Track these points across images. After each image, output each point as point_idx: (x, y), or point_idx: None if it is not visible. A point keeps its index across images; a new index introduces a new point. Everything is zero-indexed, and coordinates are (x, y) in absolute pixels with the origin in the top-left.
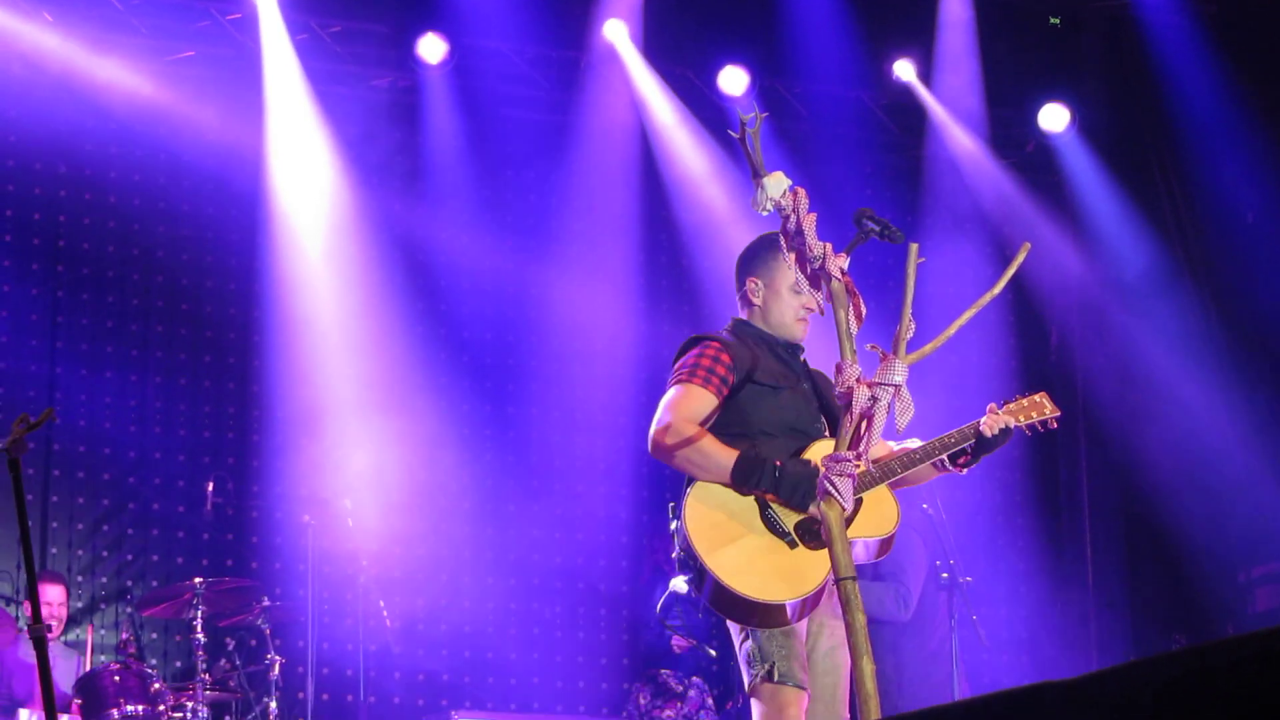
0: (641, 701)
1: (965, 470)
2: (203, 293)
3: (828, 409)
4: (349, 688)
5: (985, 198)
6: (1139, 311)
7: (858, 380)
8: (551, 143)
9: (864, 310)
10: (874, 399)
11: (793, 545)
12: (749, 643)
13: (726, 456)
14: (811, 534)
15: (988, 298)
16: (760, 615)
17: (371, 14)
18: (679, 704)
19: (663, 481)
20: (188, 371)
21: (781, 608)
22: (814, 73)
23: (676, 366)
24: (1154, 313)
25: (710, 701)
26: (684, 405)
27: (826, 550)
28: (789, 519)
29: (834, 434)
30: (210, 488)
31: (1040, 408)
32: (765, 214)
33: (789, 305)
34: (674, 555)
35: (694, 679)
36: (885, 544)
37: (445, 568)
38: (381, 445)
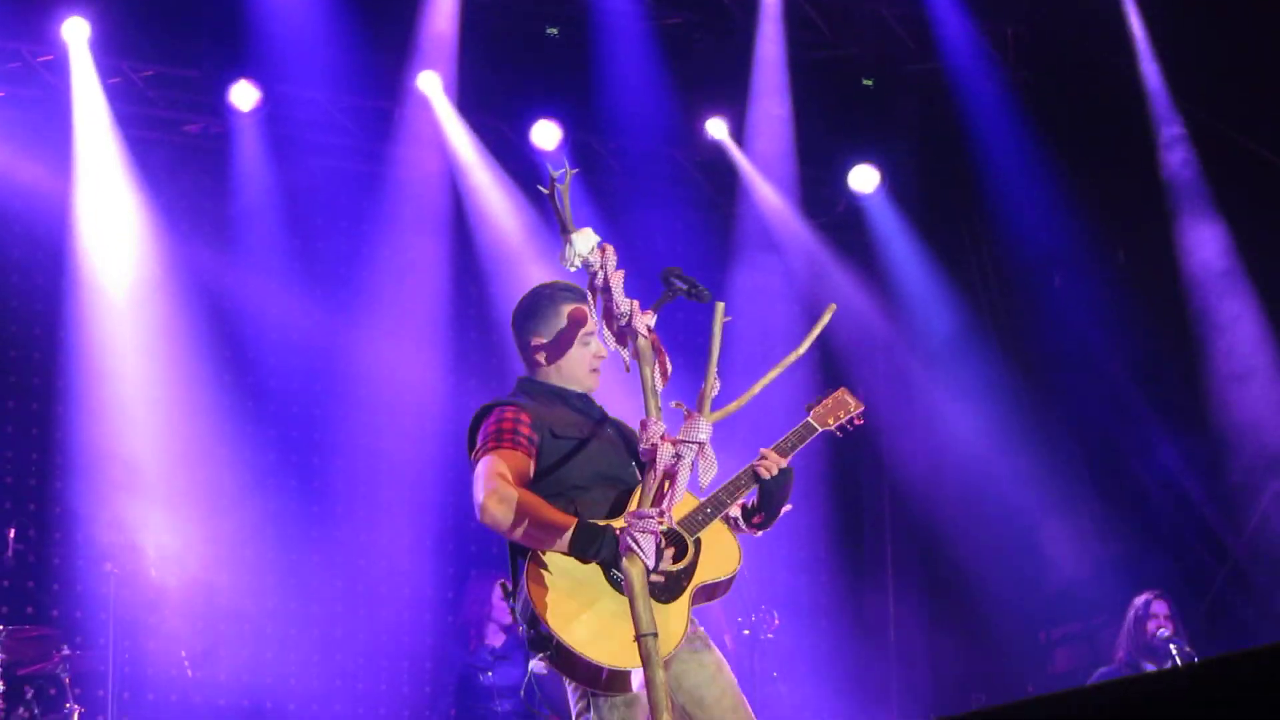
0: None
1: (760, 531)
2: (6, 336)
3: (635, 454)
4: None
5: (794, 257)
6: (946, 373)
7: (662, 437)
8: (363, 193)
9: (669, 367)
10: (678, 456)
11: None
12: (589, 714)
13: (563, 524)
14: (661, 587)
15: (793, 357)
16: (610, 681)
17: (185, 59)
18: None
19: (466, 534)
20: None
21: (625, 673)
22: (627, 129)
23: (479, 439)
24: (961, 374)
25: None
26: (500, 471)
27: (680, 601)
28: None
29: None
30: (11, 534)
31: (844, 406)
32: (573, 269)
33: (578, 357)
34: (520, 630)
35: None
36: (728, 584)
37: (248, 618)
38: (185, 495)
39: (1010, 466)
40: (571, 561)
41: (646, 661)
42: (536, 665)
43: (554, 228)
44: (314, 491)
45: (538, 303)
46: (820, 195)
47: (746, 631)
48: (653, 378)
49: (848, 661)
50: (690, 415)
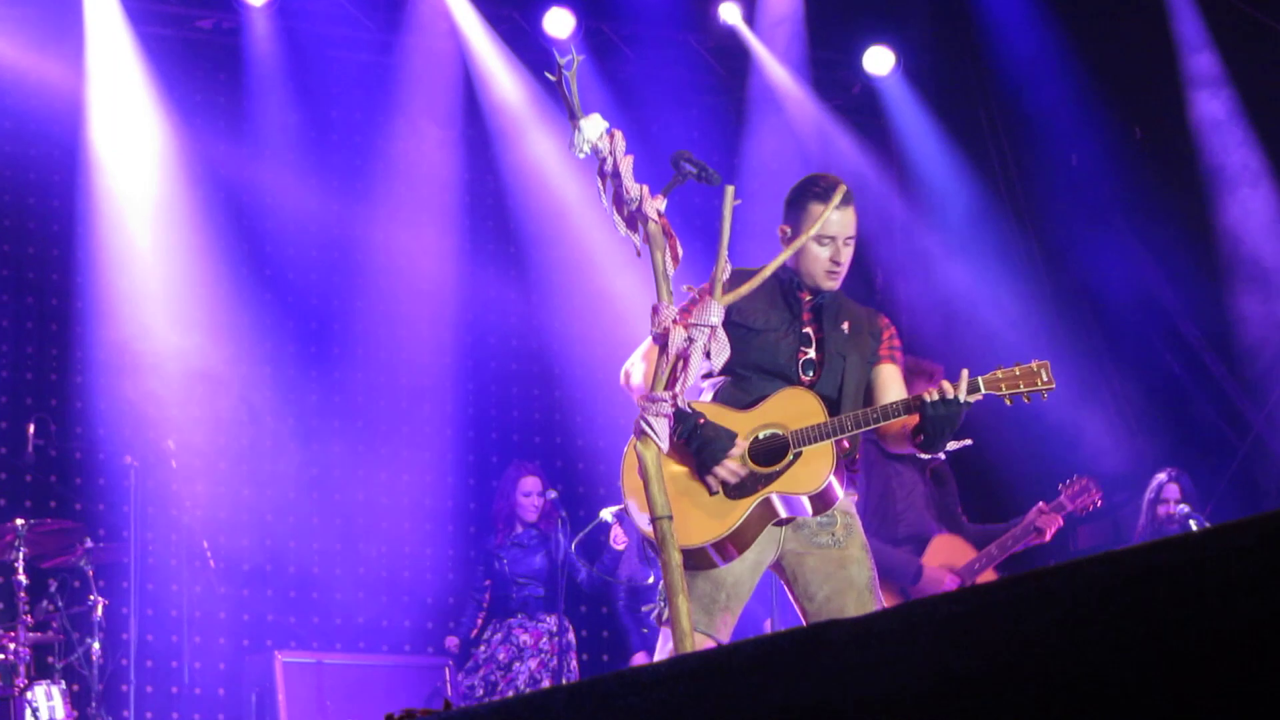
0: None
1: (925, 452)
2: (25, 233)
3: (824, 351)
4: (173, 628)
5: (808, 140)
6: (966, 254)
7: (674, 321)
8: (376, 84)
9: (680, 251)
10: (690, 339)
11: (713, 493)
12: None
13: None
14: (734, 485)
15: (804, 239)
16: (686, 558)
17: None
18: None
19: (486, 421)
20: (9, 313)
21: (701, 551)
22: (640, 14)
23: None
24: (980, 256)
25: (571, 637)
26: (641, 351)
27: (745, 500)
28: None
29: (819, 379)
30: (32, 429)
31: (1034, 377)
32: (582, 156)
33: (813, 255)
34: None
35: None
36: (817, 499)
37: (269, 508)
38: (205, 388)
39: (1031, 348)
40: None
41: (662, 543)
42: (605, 514)
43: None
44: (334, 381)
45: (798, 194)
46: (835, 78)
47: None
48: (663, 262)
49: None
50: (702, 298)
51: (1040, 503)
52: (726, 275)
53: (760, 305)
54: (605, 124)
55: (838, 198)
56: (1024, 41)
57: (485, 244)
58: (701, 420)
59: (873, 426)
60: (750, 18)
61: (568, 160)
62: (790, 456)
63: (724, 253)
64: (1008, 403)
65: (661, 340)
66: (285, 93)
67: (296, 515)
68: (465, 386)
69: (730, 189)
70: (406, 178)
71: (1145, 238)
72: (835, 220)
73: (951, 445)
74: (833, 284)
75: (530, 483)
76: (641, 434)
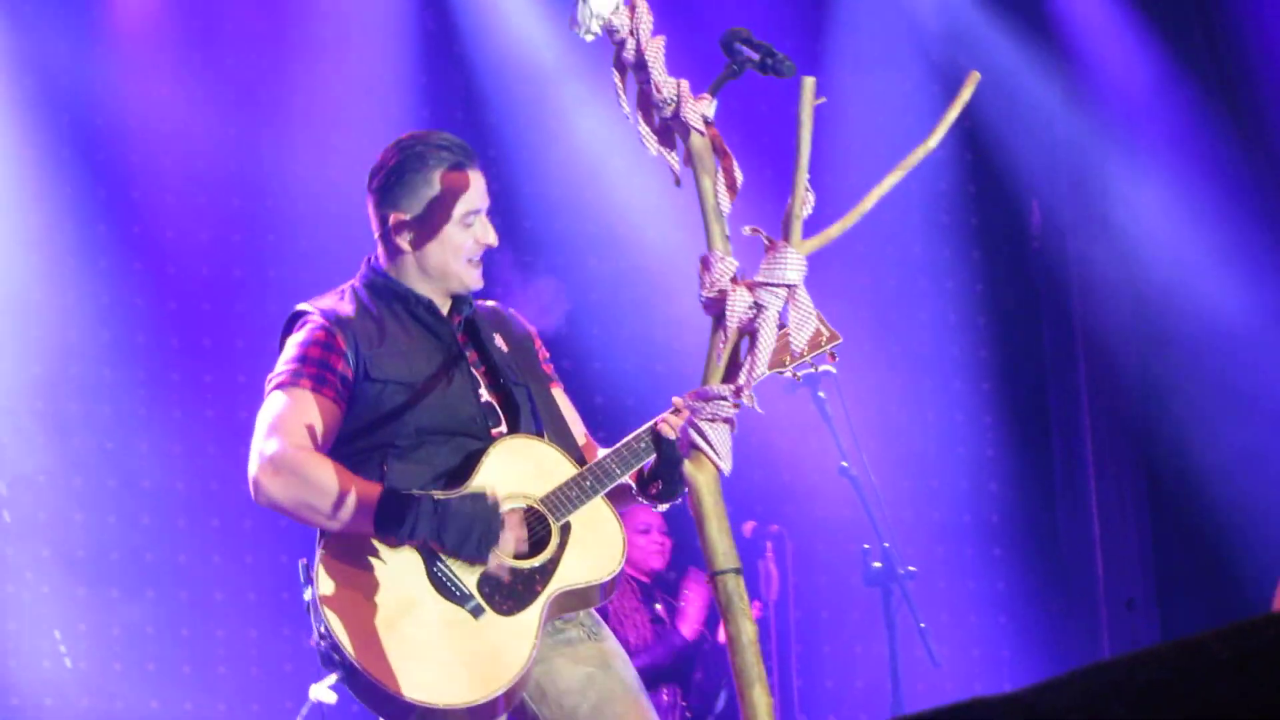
0: None
1: (661, 504)
2: None
3: (499, 386)
4: None
5: (926, 18)
6: (1156, 176)
7: (733, 280)
8: None
9: (739, 177)
10: (758, 305)
11: (478, 613)
12: None
13: (364, 497)
14: (504, 591)
15: (919, 154)
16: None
17: None
18: None
19: None
20: None
21: (473, 709)
22: None
23: (279, 361)
24: (1179, 178)
25: None
26: (289, 423)
27: (527, 613)
28: (468, 575)
29: (512, 426)
30: None
31: (816, 337)
32: (590, 38)
33: (454, 243)
34: (312, 642)
35: None
36: (607, 588)
37: (154, 584)
38: (50, 404)
39: (1261, 318)
40: (383, 550)
41: (727, 609)
42: (318, 691)
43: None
44: (240, 389)
45: (403, 163)
46: None
47: (877, 564)
48: (715, 192)
49: (1032, 606)
50: (773, 245)
51: None
52: (808, 210)
53: (394, 349)
54: None
55: (473, 157)
56: None
57: None
58: (441, 498)
59: (640, 464)
60: None
61: (570, 45)
62: (556, 535)
63: (803, 176)
64: (796, 378)
65: (716, 309)
66: None
67: (190, 589)
68: None
69: (810, 81)
70: (338, 85)
71: None
72: (478, 187)
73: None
74: (478, 280)
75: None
76: (691, 449)
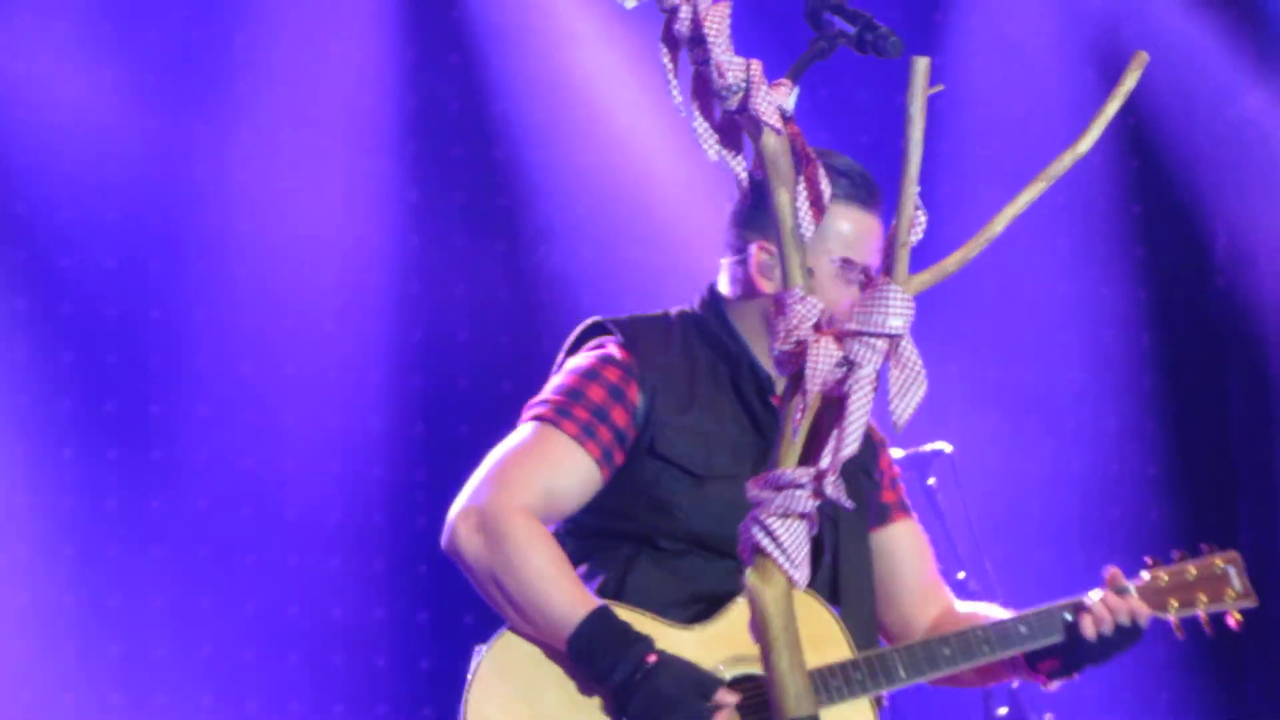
0: None
1: (1052, 684)
2: None
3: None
4: None
5: None
6: None
7: (816, 326)
8: None
9: (828, 190)
10: (849, 363)
11: None
12: None
13: (570, 603)
14: None
15: (1066, 161)
16: None
17: None
18: None
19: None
20: None
21: None
22: None
23: (549, 386)
24: None
25: None
26: (528, 474)
27: None
28: None
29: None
30: None
31: (1220, 585)
32: (631, 4)
33: (826, 298)
34: None
35: None
36: None
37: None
38: None
39: None
40: (576, 680)
41: None
42: None
43: None
44: (159, 465)
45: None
46: None
47: (1004, 710)
48: (794, 209)
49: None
50: (870, 281)
51: None
52: (917, 235)
53: (697, 426)
54: None
55: (876, 196)
56: None
57: (450, 190)
58: (652, 658)
59: (957, 670)
60: None
61: (606, 12)
62: None
63: (912, 190)
64: (1179, 633)
65: (793, 365)
66: None
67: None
68: (413, 403)
69: (924, 62)
70: (293, 60)
71: None
72: (871, 230)
73: None
74: None
75: None
76: (756, 554)
